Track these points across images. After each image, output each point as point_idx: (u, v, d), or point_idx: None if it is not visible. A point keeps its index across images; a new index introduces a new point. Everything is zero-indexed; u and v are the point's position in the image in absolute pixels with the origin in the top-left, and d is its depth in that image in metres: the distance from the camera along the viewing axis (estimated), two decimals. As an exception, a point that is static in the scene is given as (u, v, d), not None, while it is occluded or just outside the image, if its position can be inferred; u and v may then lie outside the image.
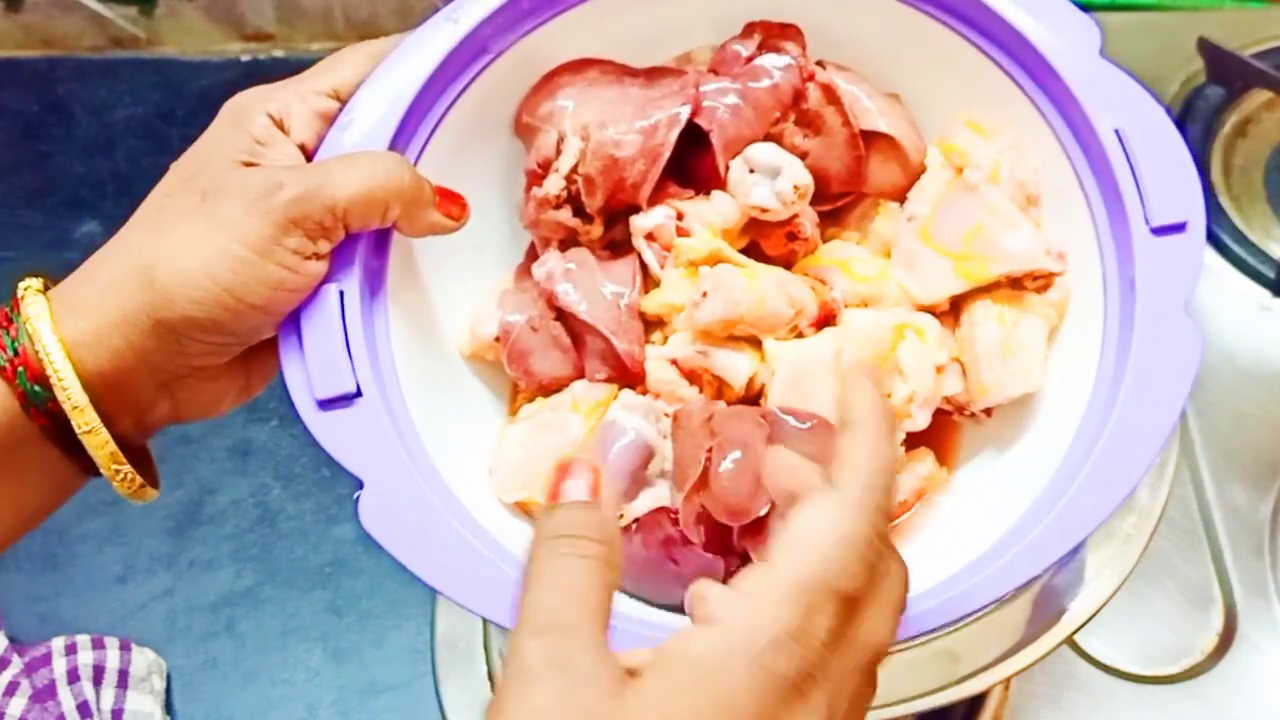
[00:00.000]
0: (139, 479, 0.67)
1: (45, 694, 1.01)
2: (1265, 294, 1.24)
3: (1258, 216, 1.31)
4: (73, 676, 1.02)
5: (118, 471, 0.66)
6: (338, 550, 1.15)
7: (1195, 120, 1.35)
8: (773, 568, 0.52)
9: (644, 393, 0.73)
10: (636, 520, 0.70)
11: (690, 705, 0.49)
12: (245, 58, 1.52)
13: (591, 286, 0.74)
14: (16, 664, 1.02)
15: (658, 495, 0.71)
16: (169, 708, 1.07)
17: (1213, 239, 1.28)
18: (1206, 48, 1.36)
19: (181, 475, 1.19)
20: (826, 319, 0.74)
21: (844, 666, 0.52)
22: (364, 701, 1.08)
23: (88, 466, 0.67)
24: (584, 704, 0.49)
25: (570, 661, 0.49)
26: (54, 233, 1.36)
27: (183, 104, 1.47)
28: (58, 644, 1.04)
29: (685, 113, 0.74)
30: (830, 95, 0.76)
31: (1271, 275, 1.24)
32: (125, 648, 1.06)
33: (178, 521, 1.16)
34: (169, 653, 1.10)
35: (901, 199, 0.78)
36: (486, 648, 1.09)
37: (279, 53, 1.52)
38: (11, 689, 1.01)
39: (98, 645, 1.05)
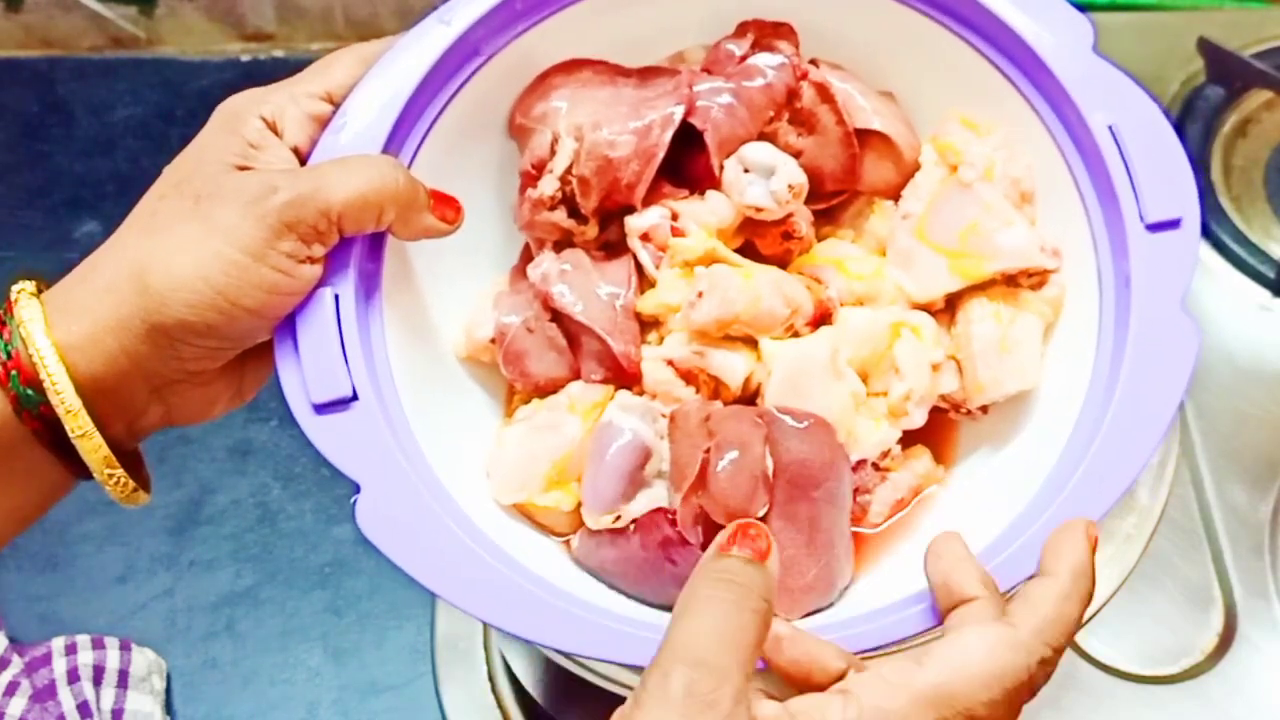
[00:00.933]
0: (131, 483, 0.67)
1: (45, 694, 1.01)
2: (1265, 294, 1.24)
3: (1258, 216, 1.30)
4: (73, 676, 1.02)
5: (110, 475, 0.66)
6: (338, 550, 1.15)
7: (1195, 120, 1.35)
8: (920, 668, 0.54)
9: (640, 393, 0.73)
10: (634, 521, 0.70)
11: None
12: (245, 58, 1.52)
13: (587, 287, 0.74)
14: (16, 664, 1.02)
15: (655, 496, 0.71)
16: (169, 708, 1.07)
17: (1213, 239, 1.27)
18: (1206, 48, 1.36)
19: (181, 475, 1.19)
20: (822, 318, 0.74)
21: None
22: (364, 701, 1.08)
23: (80, 470, 0.66)
24: None
25: (714, 701, 0.51)
26: (54, 233, 1.36)
27: (183, 104, 1.47)
28: (58, 644, 1.04)
29: (679, 112, 0.74)
30: (824, 94, 0.76)
31: (1271, 275, 1.24)
32: (125, 648, 1.06)
33: (178, 521, 1.16)
34: (169, 653, 1.10)
35: (896, 197, 0.78)
36: (486, 648, 1.09)
37: (279, 53, 1.52)
38: (11, 689, 1.01)
39: (98, 645, 1.05)
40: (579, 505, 0.72)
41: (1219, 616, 1.07)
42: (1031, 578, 0.59)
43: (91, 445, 0.65)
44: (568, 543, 0.73)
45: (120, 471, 0.66)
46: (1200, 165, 1.32)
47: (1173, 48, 1.40)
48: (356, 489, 0.64)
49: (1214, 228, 1.28)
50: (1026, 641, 0.56)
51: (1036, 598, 0.57)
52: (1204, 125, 1.35)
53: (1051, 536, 0.60)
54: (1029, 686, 0.55)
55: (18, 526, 0.69)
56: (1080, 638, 1.05)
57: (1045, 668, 0.56)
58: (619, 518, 0.70)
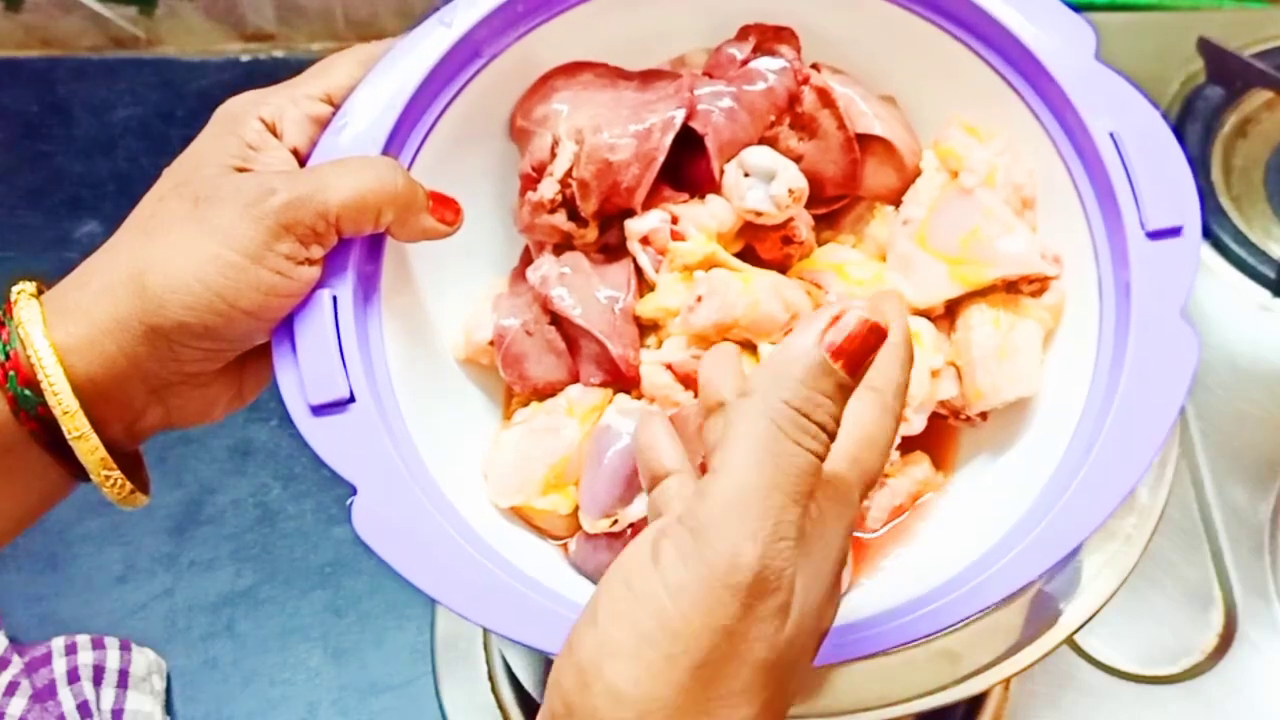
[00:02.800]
0: (129, 485, 0.67)
1: (45, 694, 1.01)
2: (1265, 294, 1.24)
3: (1258, 216, 1.30)
4: (73, 676, 1.02)
5: (108, 477, 0.66)
6: (338, 550, 1.15)
7: (1195, 120, 1.35)
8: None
9: (639, 397, 0.73)
10: (631, 525, 0.70)
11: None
12: (245, 58, 1.52)
13: (586, 290, 0.74)
14: (16, 664, 1.02)
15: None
16: (169, 708, 1.07)
17: (1213, 239, 1.28)
18: (1206, 48, 1.36)
19: (181, 475, 1.19)
20: (822, 322, 0.74)
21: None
22: (364, 701, 1.08)
23: (77, 472, 0.66)
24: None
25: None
26: (54, 233, 1.36)
27: (183, 104, 1.47)
28: (58, 644, 1.04)
29: (680, 116, 0.74)
30: (825, 98, 0.76)
31: (1271, 275, 1.24)
32: (125, 648, 1.06)
33: (178, 521, 1.17)
34: (169, 653, 1.09)
35: (897, 202, 0.78)
36: (486, 648, 1.09)
37: (279, 53, 1.52)
38: (11, 689, 1.01)
39: (98, 645, 1.05)
40: (576, 509, 0.72)
41: (1219, 616, 1.07)
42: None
43: (88, 446, 0.65)
44: (565, 546, 0.73)
45: (117, 473, 0.66)
46: (1200, 165, 1.32)
47: (1173, 48, 1.40)
48: (353, 491, 0.64)
49: (1214, 228, 1.28)
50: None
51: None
52: (1204, 125, 1.35)
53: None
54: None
55: (16, 528, 0.69)
56: (1080, 638, 1.05)
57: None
58: (616, 521, 0.70)
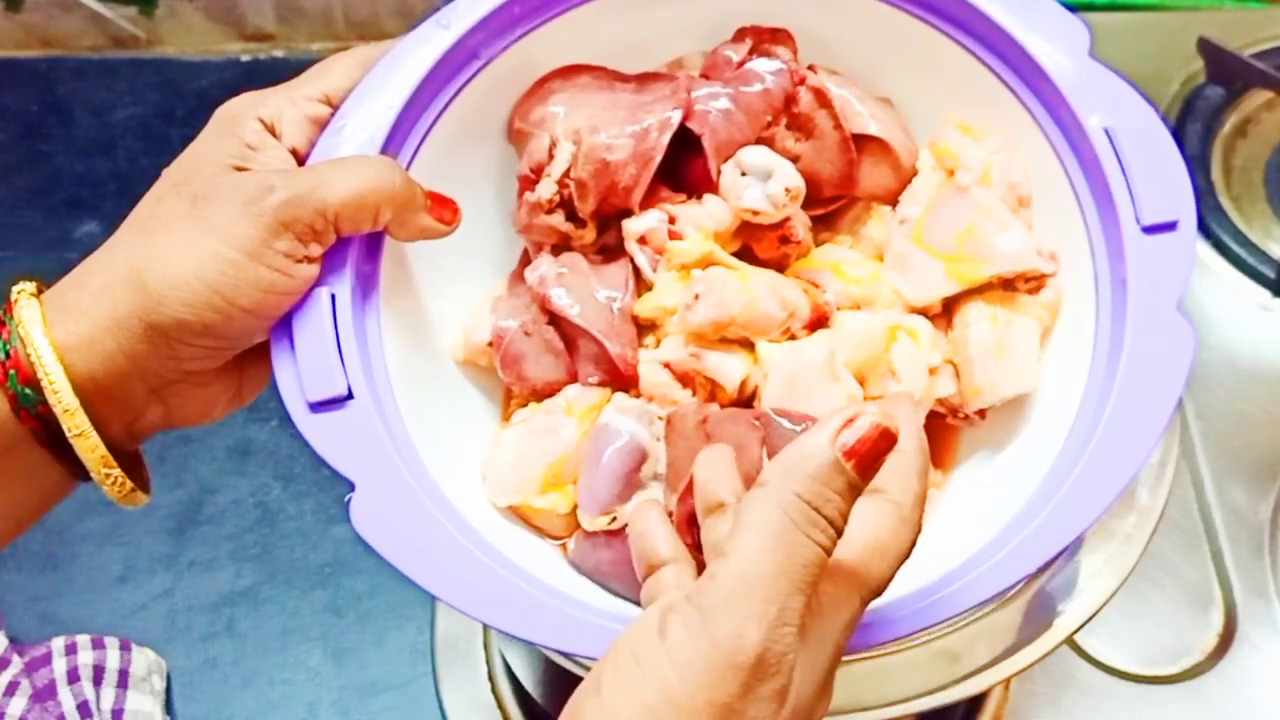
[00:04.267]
0: (129, 484, 0.67)
1: (45, 694, 1.01)
2: (1265, 294, 1.24)
3: (1258, 216, 1.31)
4: (73, 676, 1.02)
5: (108, 476, 0.66)
6: (338, 550, 1.16)
7: (1195, 120, 1.35)
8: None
9: (637, 396, 0.73)
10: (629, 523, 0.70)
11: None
12: (245, 58, 1.52)
13: (584, 290, 0.74)
14: (16, 664, 1.02)
15: (651, 498, 0.71)
16: (169, 708, 1.07)
17: (1213, 239, 1.28)
18: (1206, 48, 1.36)
19: (181, 475, 1.19)
20: (819, 321, 0.74)
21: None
22: (364, 701, 1.08)
23: (78, 471, 0.66)
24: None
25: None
26: (54, 233, 1.36)
27: (183, 104, 1.47)
28: (58, 644, 1.05)
29: (677, 117, 0.74)
30: (821, 99, 0.76)
31: (1271, 275, 1.24)
32: (125, 648, 1.06)
33: (178, 521, 1.17)
34: (169, 653, 1.10)
35: (893, 202, 0.78)
36: (486, 648, 1.09)
37: (279, 53, 1.52)
38: (11, 689, 1.01)
39: (98, 645, 1.05)
40: (575, 508, 0.72)
41: (1219, 616, 1.08)
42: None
43: (88, 445, 0.65)
44: (564, 546, 0.73)
45: (118, 471, 0.66)
46: (1200, 165, 1.32)
47: (1173, 48, 1.40)
48: (351, 488, 0.64)
49: (1214, 228, 1.28)
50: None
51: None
52: (1204, 125, 1.35)
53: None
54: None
55: (17, 527, 0.69)
56: (1080, 638, 1.05)
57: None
58: (615, 519, 0.70)
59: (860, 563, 0.56)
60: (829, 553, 0.54)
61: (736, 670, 0.51)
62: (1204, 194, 1.30)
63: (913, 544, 0.58)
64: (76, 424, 0.64)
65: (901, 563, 0.57)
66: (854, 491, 0.54)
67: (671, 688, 0.51)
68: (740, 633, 0.52)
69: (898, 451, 0.57)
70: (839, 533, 0.54)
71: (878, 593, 0.57)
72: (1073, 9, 0.73)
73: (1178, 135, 1.32)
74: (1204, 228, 1.28)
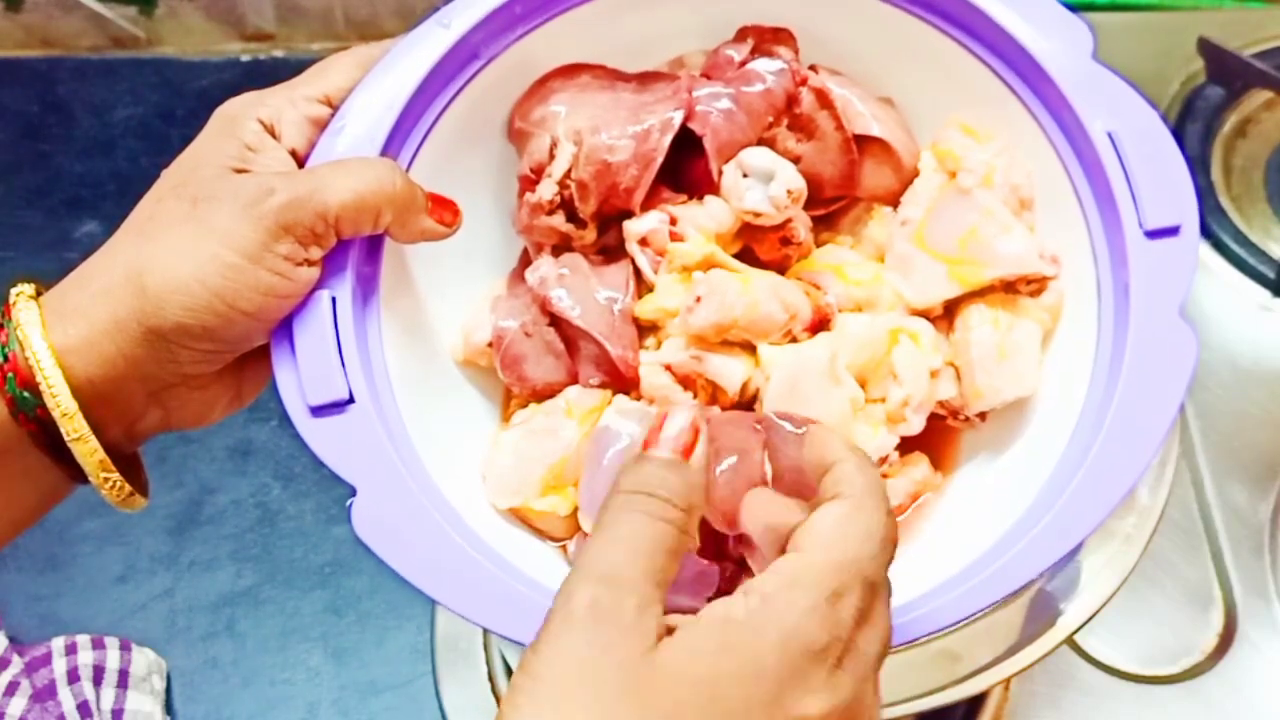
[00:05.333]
0: (128, 487, 0.67)
1: (45, 694, 1.01)
2: (1265, 294, 1.24)
3: (1258, 216, 1.31)
4: (73, 676, 1.02)
5: (106, 479, 0.66)
6: (338, 550, 1.16)
7: (1195, 120, 1.35)
8: (804, 553, 0.54)
9: (638, 398, 0.73)
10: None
11: (717, 662, 0.51)
12: (245, 58, 1.52)
13: (585, 292, 0.74)
14: (16, 664, 1.02)
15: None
16: (169, 708, 1.07)
17: (1213, 239, 1.28)
18: (1206, 48, 1.36)
19: (181, 475, 1.19)
20: (820, 323, 0.74)
21: (869, 648, 0.54)
22: (364, 701, 1.08)
23: (76, 474, 0.66)
24: (618, 655, 0.50)
25: (615, 613, 0.51)
26: (54, 233, 1.36)
27: (183, 104, 1.47)
28: (58, 644, 1.05)
29: (678, 117, 0.74)
30: (823, 99, 0.76)
31: (1271, 275, 1.24)
32: (125, 648, 1.06)
33: (178, 521, 1.17)
34: (169, 653, 1.10)
35: (895, 203, 0.78)
36: (486, 648, 1.09)
37: (279, 53, 1.52)
38: (11, 689, 1.01)
39: (98, 645, 1.05)
40: (575, 510, 0.72)
41: (1219, 616, 1.08)
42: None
43: (87, 448, 0.65)
44: (564, 548, 0.73)
45: (116, 475, 0.66)
46: (1200, 165, 1.32)
47: (1173, 48, 1.40)
48: (352, 492, 0.64)
49: (1214, 228, 1.28)
50: (874, 501, 0.56)
51: (848, 472, 0.57)
52: (1204, 125, 1.35)
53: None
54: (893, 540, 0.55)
55: (15, 529, 0.69)
56: (1080, 638, 1.05)
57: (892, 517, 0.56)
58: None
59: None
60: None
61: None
62: (1204, 194, 1.30)
63: (884, 522, 0.56)
64: (75, 427, 0.64)
65: (880, 540, 0.56)
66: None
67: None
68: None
69: (839, 462, 0.57)
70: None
71: (868, 570, 0.55)
72: (1073, 9, 0.73)
73: (1178, 135, 1.32)
74: (1204, 228, 1.28)
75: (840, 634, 0.52)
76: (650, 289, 0.74)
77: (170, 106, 1.47)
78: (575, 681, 0.50)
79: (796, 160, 0.76)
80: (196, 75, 1.50)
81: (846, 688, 0.53)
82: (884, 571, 0.55)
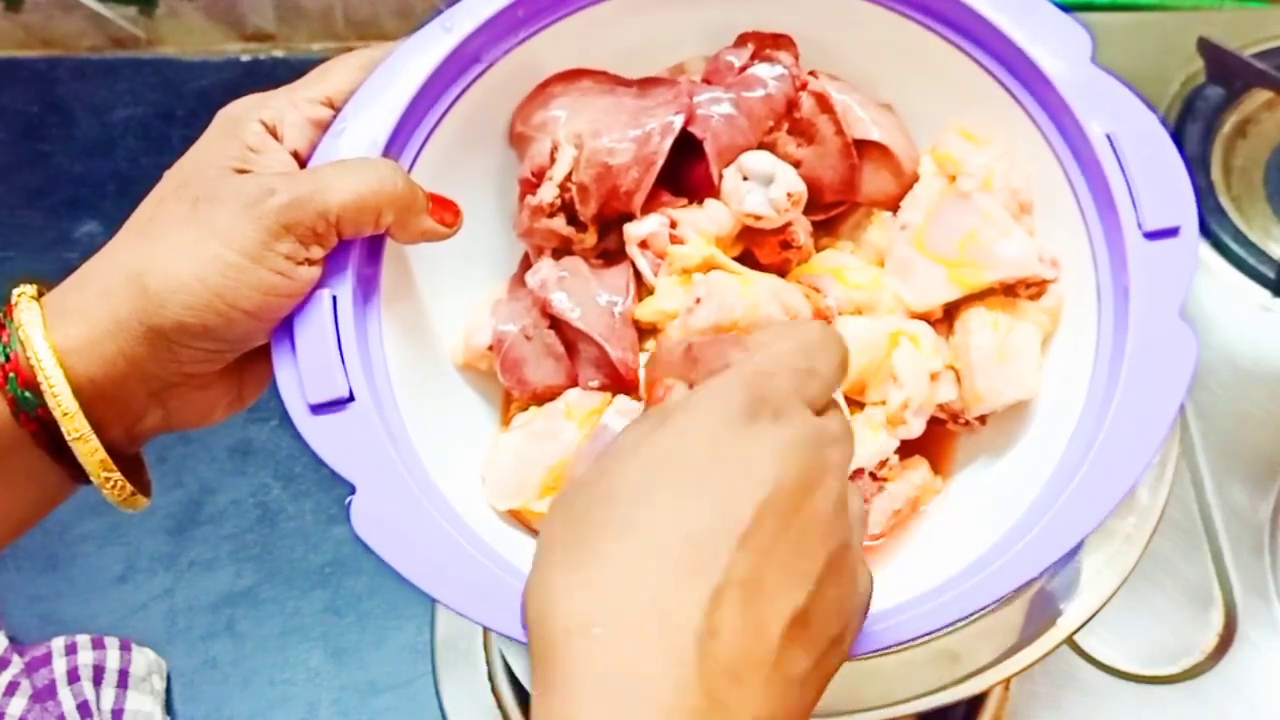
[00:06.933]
0: (129, 487, 0.67)
1: (45, 694, 1.01)
2: (1265, 294, 1.24)
3: (1258, 216, 1.31)
4: (73, 676, 1.02)
5: (107, 479, 0.66)
6: (338, 550, 1.15)
7: (1195, 120, 1.35)
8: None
9: (638, 400, 0.73)
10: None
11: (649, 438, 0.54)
12: (245, 58, 1.52)
13: (585, 294, 0.74)
14: (16, 664, 1.02)
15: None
16: (169, 708, 1.07)
17: (1213, 239, 1.28)
18: (1206, 48, 1.36)
19: (181, 475, 1.19)
20: (821, 326, 0.74)
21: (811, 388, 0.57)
22: (364, 701, 1.08)
23: (78, 474, 0.66)
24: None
25: None
26: (54, 233, 1.36)
27: (183, 104, 1.47)
28: (58, 644, 1.05)
29: (679, 121, 0.74)
30: (823, 104, 0.76)
31: (1271, 275, 1.24)
32: (125, 648, 1.06)
33: (178, 521, 1.17)
34: (169, 653, 1.10)
35: (894, 208, 0.78)
36: (486, 648, 1.09)
37: (279, 53, 1.52)
38: (11, 689, 1.01)
39: (98, 645, 1.05)
40: (575, 512, 0.72)
41: (1219, 616, 1.08)
42: None
43: (88, 448, 0.65)
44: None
45: (117, 475, 0.66)
46: (1200, 165, 1.32)
47: (1173, 48, 1.40)
48: (351, 490, 0.64)
49: (1214, 228, 1.28)
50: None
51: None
52: (1204, 125, 1.35)
53: None
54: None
55: (16, 530, 0.69)
56: (1080, 638, 1.06)
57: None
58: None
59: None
60: None
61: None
62: (1204, 194, 1.30)
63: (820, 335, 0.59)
64: (76, 427, 0.64)
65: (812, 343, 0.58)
66: None
67: None
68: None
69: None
70: None
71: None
72: (1073, 10, 0.73)
73: (1178, 135, 1.32)
74: (1204, 228, 1.27)
75: (765, 394, 0.54)
76: (650, 292, 0.74)
77: (170, 106, 1.47)
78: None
79: (797, 165, 0.76)
80: (196, 75, 1.50)
81: (792, 431, 0.54)
82: (819, 364, 0.58)
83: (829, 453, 0.55)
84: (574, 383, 0.75)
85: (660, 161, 0.74)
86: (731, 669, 0.49)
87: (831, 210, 0.79)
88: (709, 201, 0.75)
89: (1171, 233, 0.68)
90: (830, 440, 0.55)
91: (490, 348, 0.76)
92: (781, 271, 0.76)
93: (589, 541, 0.52)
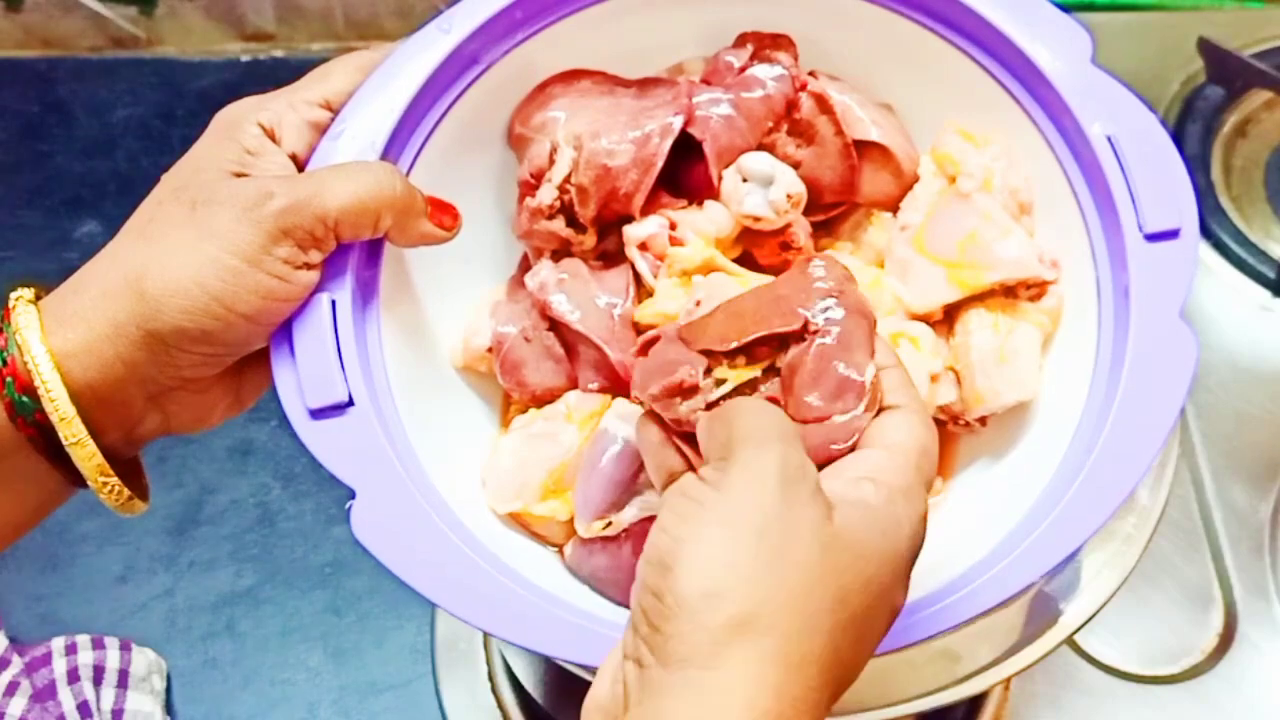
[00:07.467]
0: (126, 491, 0.67)
1: (45, 694, 1.01)
2: (1265, 294, 1.24)
3: (1258, 216, 1.31)
4: (73, 676, 1.02)
5: (105, 483, 0.66)
6: (338, 550, 1.16)
7: (1195, 120, 1.35)
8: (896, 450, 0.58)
9: (637, 402, 0.73)
10: (626, 530, 0.70)
11: (877, 543, 0.54)
12: (245, 58, 1.52)
13: (585, 296, 0.74)
14: (16, 664, 1.02)
15: (648, 503, 0.70)
16: (169, 708, 1.07)
17: (1213, 239, 1.28)
18: (1206, 48, 1.36)
19: (181, 475, 1.19)
20: (820, 328, 0.74)
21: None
22: (364, 701, 1.08)
23: (75, 478, 0.66)
24: (809, 514, 0.53)
25: (804, 474, 0.54)
26: (54, 233, 1.36)
27: (183, 104, 1.47)
28: (58, 644, 1.05)
29: (678, 122, 0.74)
30: (823, 105, 0.76)
31: (1271, 275, 1.24)
32: (125, 648, 1.06)
33: (178, 521, 1.17)
34: (169, 653, 1.10)
35: (894, 209, 0.78)
36: (486, 648, 1.09)
37: (279, 53, 1.52)
38: (11, 689, 1.01)
39: (98, 645, 1.05)
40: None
41: (1219, 616, 1.08)
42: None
43: (85, 453, 0.65)
44: (561, 551, 0.73)
45: (115, 480, 0.66)
46: (1200, 165, 1.32)
47: (1173, 48, 1.40)
48: (352, 494, 0.64)
49: (1214, 228, 1.28)
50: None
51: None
52: (1204, 125, 1.35)
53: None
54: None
55: (14, 533, 0.69)
56: (1080, 638, 1.06)
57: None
58: (610, 525, 0.70)
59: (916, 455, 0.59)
60: None
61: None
62: (1204, 194, 1.30)
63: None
64: (73, 432, 0.64)
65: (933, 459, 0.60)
66: None
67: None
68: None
69: (893, 368, 0.61)
70: None
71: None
72: (1073, 10, 0.73)
73: (1177, 135, 1.32)
74: (1204, 228, 1.28)
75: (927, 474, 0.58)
76: (650, 294, 0.74)
77: (170, 106, 1.47)
78: (763, 525, 0.52)
79: (796, 165, 0.76)
80: (196, 75, 1.50)
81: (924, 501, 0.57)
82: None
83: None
84: (574, 385, 0.75)
85: (660, 163, 0.74)
86: None
87: (831, 211, 0.79)
88: (708, 203, 0.75)
89: (1172, 234, 0.68)
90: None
91: (490, 350, 0.76)
92: (781, 273, 0.76)
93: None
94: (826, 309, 0.61)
